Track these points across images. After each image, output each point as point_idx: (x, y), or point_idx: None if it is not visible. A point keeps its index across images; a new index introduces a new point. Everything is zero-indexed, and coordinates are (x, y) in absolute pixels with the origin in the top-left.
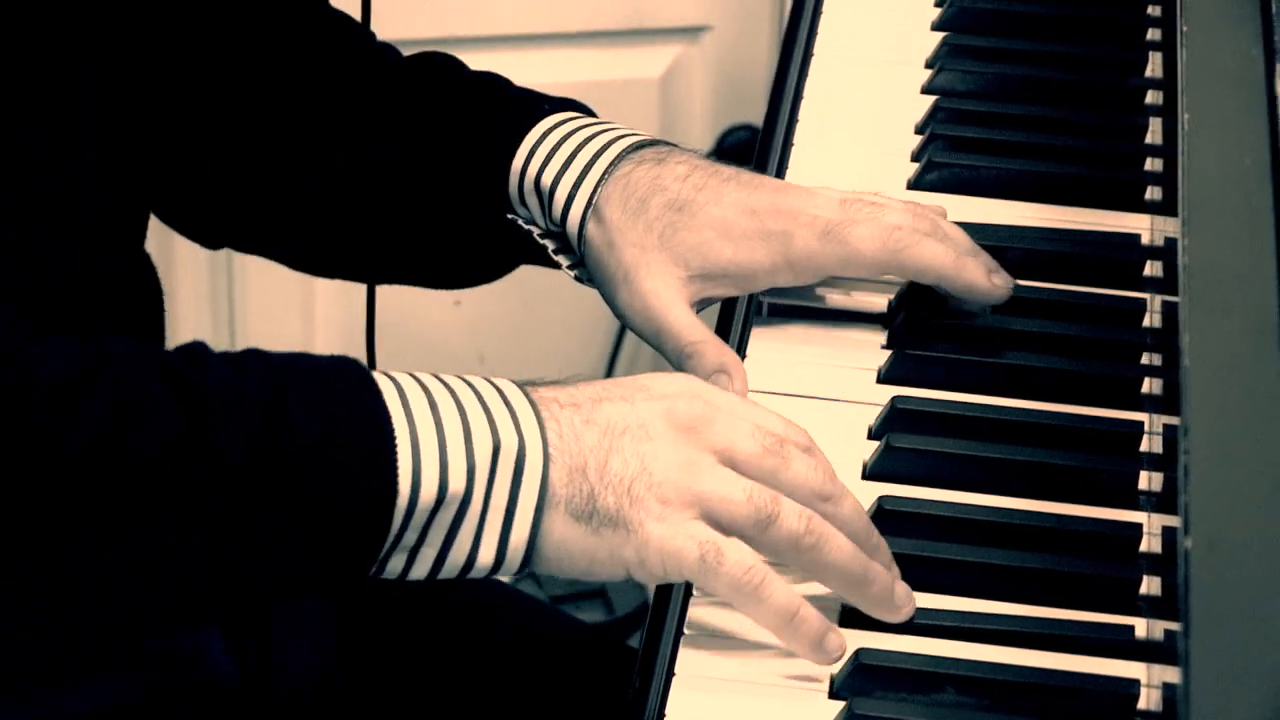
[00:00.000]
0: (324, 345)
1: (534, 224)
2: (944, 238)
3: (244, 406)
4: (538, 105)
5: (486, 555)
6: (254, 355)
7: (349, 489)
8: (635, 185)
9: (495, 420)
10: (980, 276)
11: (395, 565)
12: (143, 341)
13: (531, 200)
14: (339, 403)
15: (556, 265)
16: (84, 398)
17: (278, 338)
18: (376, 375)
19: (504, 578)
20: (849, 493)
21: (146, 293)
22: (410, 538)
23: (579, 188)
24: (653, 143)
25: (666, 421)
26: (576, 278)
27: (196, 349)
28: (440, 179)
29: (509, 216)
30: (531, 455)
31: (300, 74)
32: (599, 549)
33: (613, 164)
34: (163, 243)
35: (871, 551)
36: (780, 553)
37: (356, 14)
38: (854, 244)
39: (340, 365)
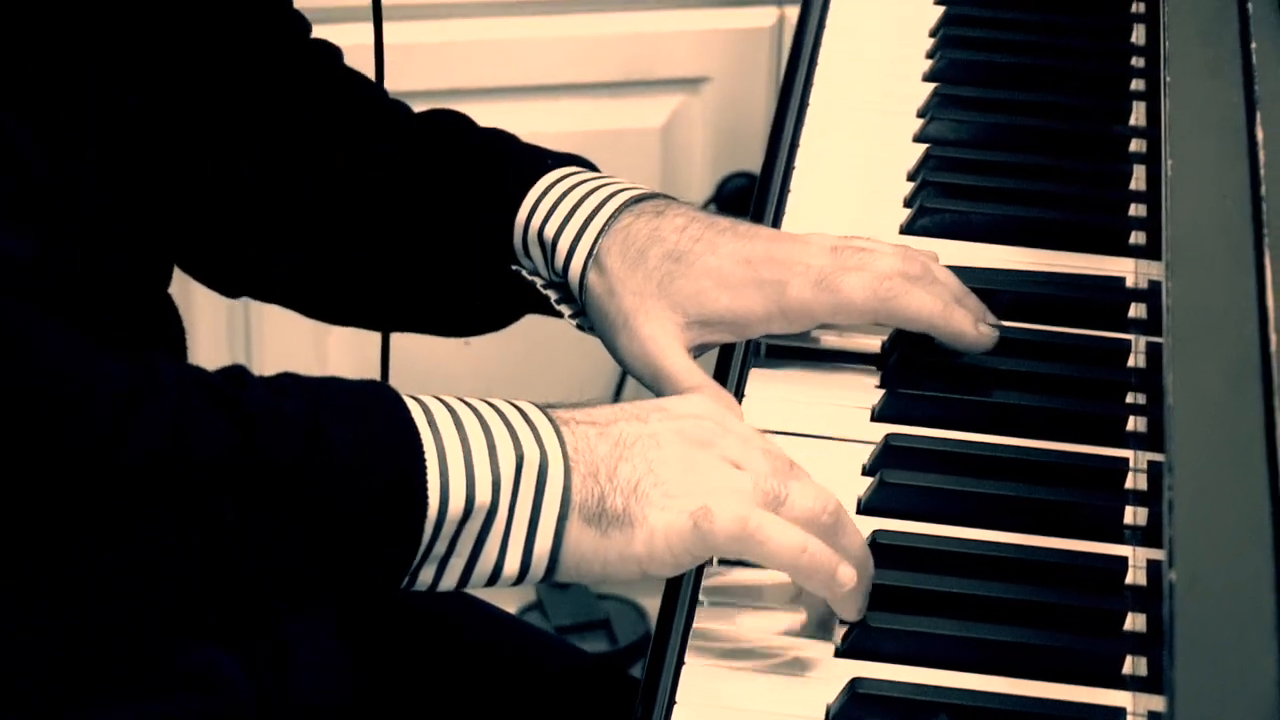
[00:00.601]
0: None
1: (537, 275)
2: (933, 283)
3: (286, 424)
4: (542, 160)
5: (513, 563)
6: (290, 378)
7: (382, 503)
8: (635, 236)
9: (518, 434)
10: (968, 325)
11: (426, 576)
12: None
13: (535, 252)
14: (371, 422)
15: (559, 315)
16: (141, 412)
17: None
18: (406, 397)
19: (522, 599)
20: (851, 524)
21: (169, 337)
22: (440, 548)
23: (580, 239)
24: (651, 196)
25: (677, 436)
26: (578, 326)
27: (237, 371)
28: (449, 232)
29: (514, 268)
30: (554, 466)
31: (314, 127)
32: (609, 550)
33: (613, 216)
34: (183, 290)
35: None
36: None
37: (369, 68)
38: (845, 293)
39: (371, 387)
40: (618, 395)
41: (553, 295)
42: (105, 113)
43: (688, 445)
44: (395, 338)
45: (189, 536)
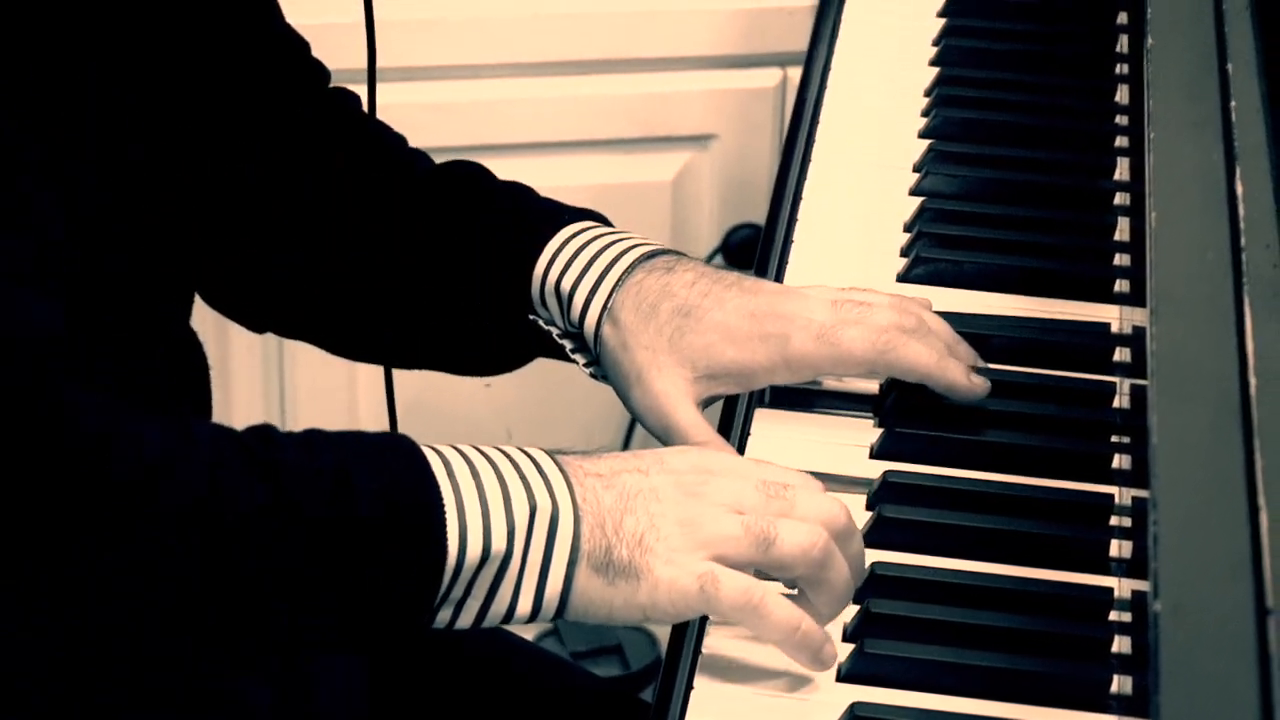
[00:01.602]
0: (366, 419)
1: (553, 324)
2: (928, 335)
3: (314, 480)
4: (559, 215)
5: (525, 605)
6: (317, 435)
7: (404, 552)
8: (646, 292)
9: (531, 485)
10: (960, 376)
11: (444, 616)
12: (189, 398)
13: (551, 303)
14: (393, 475)
15: (570, 360)
16: (174, 475)
17: (323, 414)
18: (425, 449)
19: (539, 626)
20: (857, 531)
21: (193, 368)
22: (457, 592)
23: (595, 293)
24: (663, 252)
25: (676, 488)
26: (591, 374)
27: (266, 430)
28: (467, 278)
29: (530, 317)
30: (564, 516)
31: (339, 175)
32: (616, 597)
33: (626, 271)
34: (219, 329)
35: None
36: (790, 568)
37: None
38: (845, 346)
39: (394, 442)
40: (628, 438)
41: (568, 345)
42: (105, 112)
43: (685, 497)
44: (422, 380)
45: (220, 589)
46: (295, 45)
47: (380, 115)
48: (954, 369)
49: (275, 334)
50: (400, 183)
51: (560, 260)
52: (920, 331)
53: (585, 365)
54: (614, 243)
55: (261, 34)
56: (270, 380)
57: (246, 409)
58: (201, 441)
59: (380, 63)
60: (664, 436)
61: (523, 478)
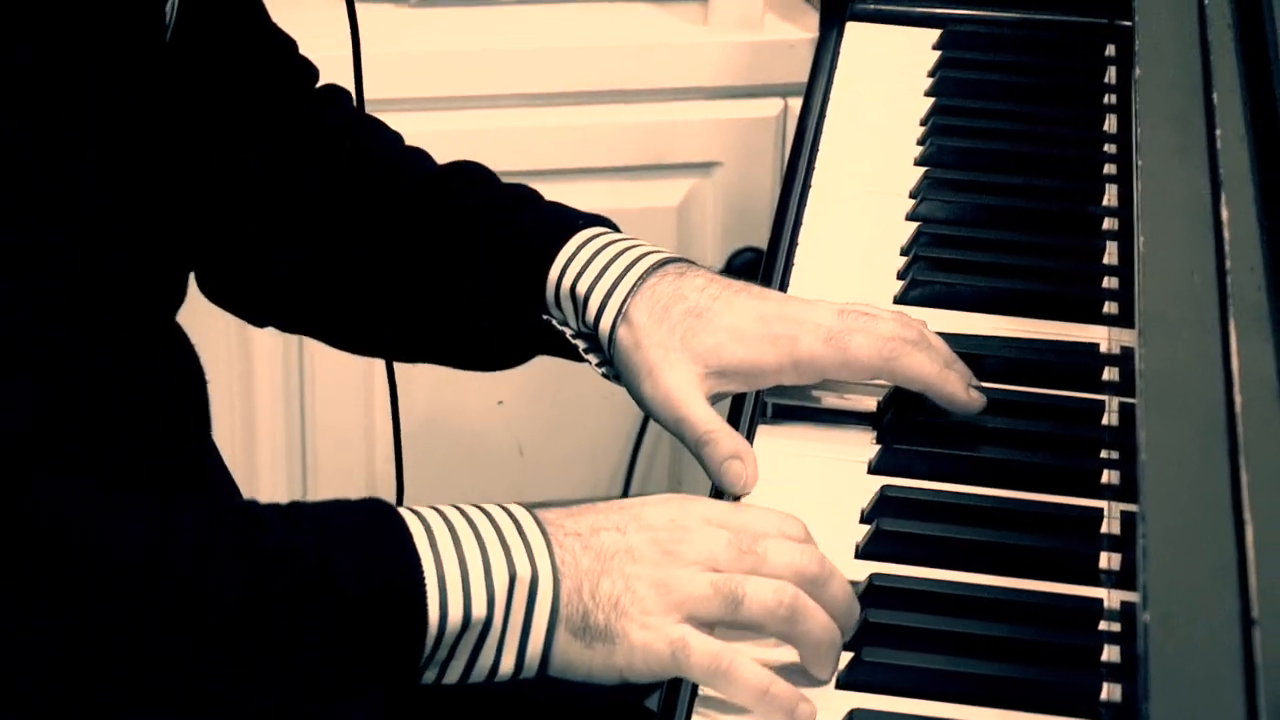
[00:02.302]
0: (381, 430)
1: (566, 325)
2: (929, 348)
3: (298, 561)
4: (573, 220)
5: (507, 665)
6: (299, 510)
7: (386, 624)
8: (660, 295)
9: (511, 551)
10: (960, 388)
11: (429, 676)
12: (188, 397)
13: (566, 305)
14: (377, 550)
15: (584, 360)
16: (157, 569)
17: (341, 418)
18: (406, 515)
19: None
20: (836, 572)
21: (188, 366)
22: (441, 655)
23: (610, 297)
24: (675, 259)
25: (652, 546)
26: (604, 374)
27: (249, 509)
28: (482, 280)
29: (545, 318)
30: (544, 582)
31: (344, 170)
32: (594, 659)
33: (641, 277)
34: (241, 338)
35: (852, 623)
36: (761, 626)
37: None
38: (853, 350)
39: (375, 514)
40: (635, 453)
41: (581, 345)
42: (105, 113)
43: (661, 556)
44: (436, 397)
45: (211, 674)
46: (284, 42)
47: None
48: (954, 380)
49: (277, 328)
50: (406, 178)
51: (575, 264)
52: (922, 344)
53: (598, 365)
54: (628, 249)
55: (253, 29)
56: (290, 385)
57: (269, 414)
58: (185, 530)
59: (402, 92)
60: (675, 429)
61: (503, 542)
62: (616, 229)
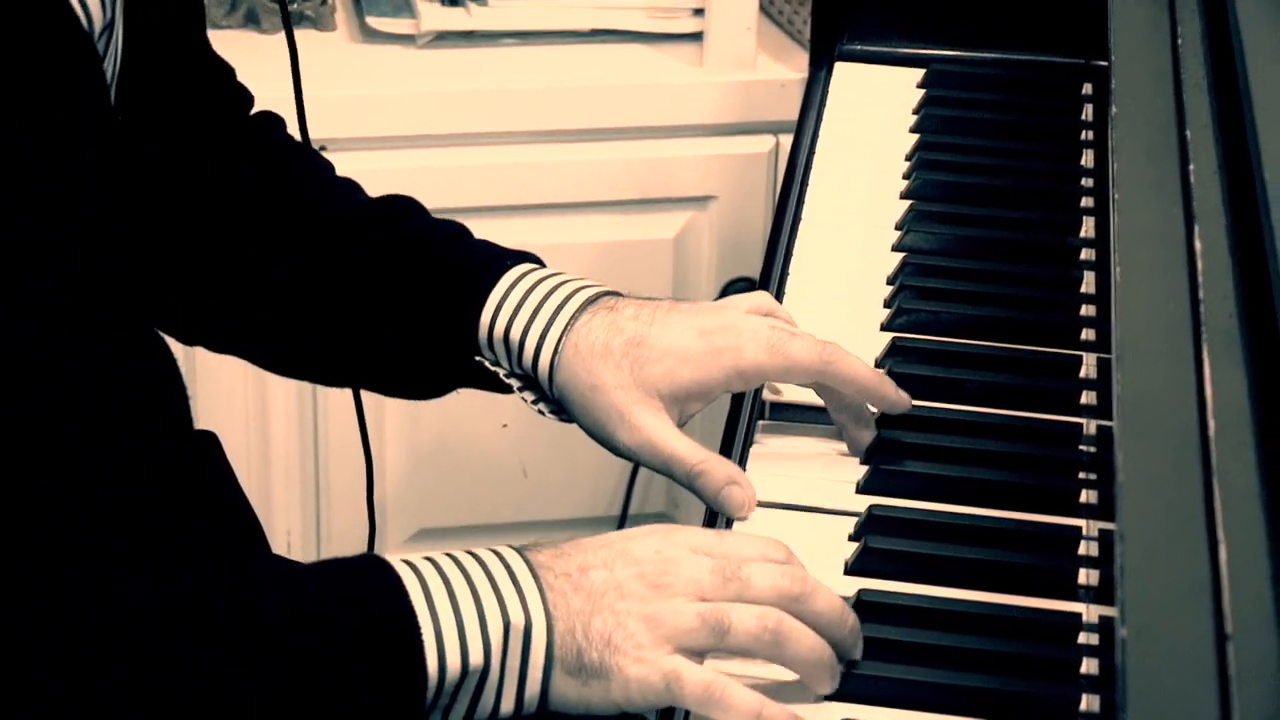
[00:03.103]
0: (391, 453)
1: (499, 365)
2: (855, 355)
3: (298, 629)
4: (501, 259)
5: (508, 706)
6: (298, 573)
7: (387, 682)
8: (595, 331)
9: (504, 599)
10: (891, 389)
11: None
12: (175, 396)
13: (499, 349)
14: (373, 610)
15: (517, 395)
16: (158, 643)
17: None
18: (401, 570)
19: None
20: (820, 588)
21: (170, 366)
22: (443, 701)
23: (544, 340)
24: (604, 294)
25: (640, 581)
26: (540, 411)
27: (249, 573)
28: (413, 319)
29: (477, 359)
30: (537, 627)
31: (272, 195)
32: (591, 695)
33: (573, 317)
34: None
35: (848, 634)
36: (748, 651)
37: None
38: (795, 356)
39: (371, 573)
40: (633, 475)
41: (515, 384)
42: (105, 114)
43: (648, 590)
44: (443, 421)
45: None
46: (222, 69)
47: (410, 176)
48: (886, 381)
49: (205, 347)
50: (336, 206)
51: (507, 308)
52: (851, 355)
53: (533, 403)
54: (556, 287)
55: (195, 57)
56: (305, 414)
57: (285, 448)
58: (183, 597)
59: (413, 130)
60: (664, 469)
61: (496, 591)
62: (542, 264)
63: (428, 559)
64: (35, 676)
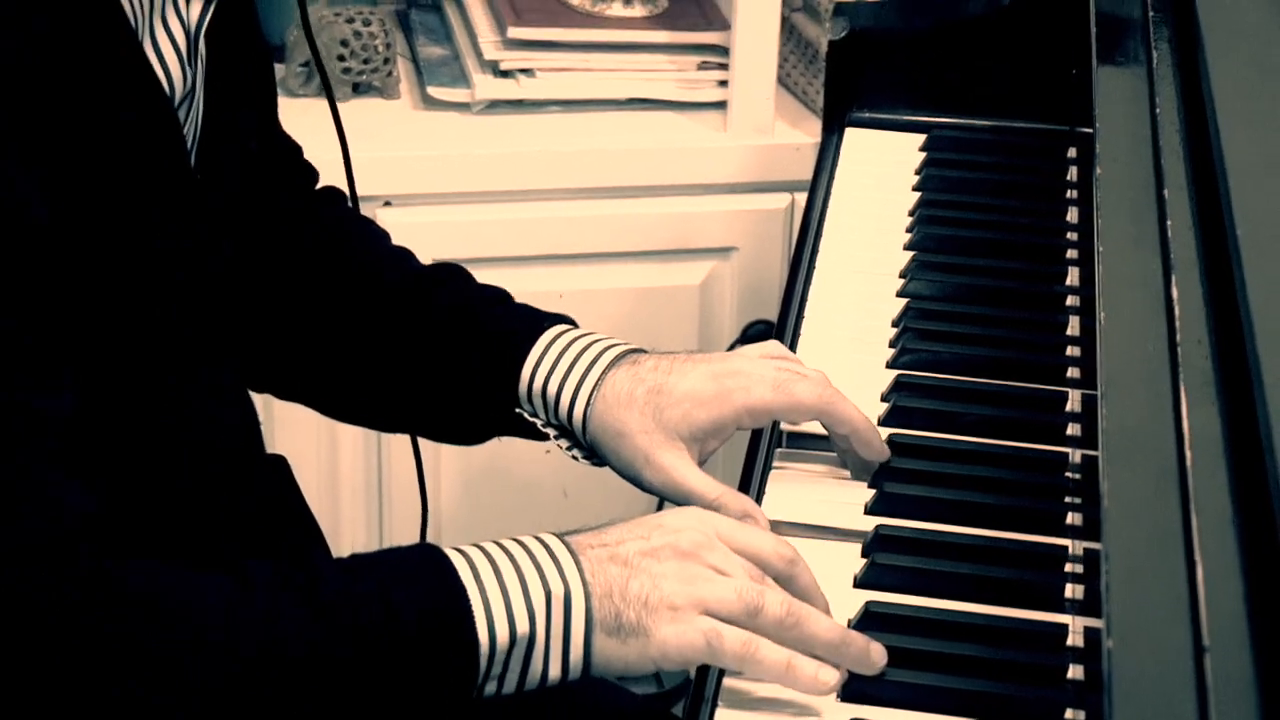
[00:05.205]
0: (446, 479)
1: (536, 416)
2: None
3: (361, 609)
4: (539, 321)
5: (555, 671)
6: (358, 561)
7: (445, 655)
8: (621, 383)
9: (544, 572)
10: (878, 439)
11: (490, 689)
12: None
13: (537, 401)
14: (428, 589)
15: (546, 439)
16: (238, 629)
17: (412, 470)
18: (451, 554)
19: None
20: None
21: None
22: (496, 670)
23: (578, 393)
24: (629, 350)
25: (673, 550)
26: (574, 457)
27: (314, 565)
28: (461, 376)
29: (517, 410)
30: (575, 594)
31: (332, 263)
32: (629, 654)
33: (603, 373)
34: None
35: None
36: (769, 633)
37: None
38: (798, 395)
39: (424, 557)
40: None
41: (552, 432)
42: (182, 174)
43: (681, 557)
44: (491, 448)
45: (287, 712)
46: (291, 147)
47: (465, 229)
48: (876, 432)
49: (273, 395)
50: (390, 274)
51: (544, 366)
52: (848, 400)
53: (568, 449)
54: (587, 347)
55: (268, 139)
56: (370, 465)
57: (350, 451)
58: (256, 588)
59: (471, 187)
60: (685, 503)
61: (537, 566)
62: (575, 324)
63: (475, 545)
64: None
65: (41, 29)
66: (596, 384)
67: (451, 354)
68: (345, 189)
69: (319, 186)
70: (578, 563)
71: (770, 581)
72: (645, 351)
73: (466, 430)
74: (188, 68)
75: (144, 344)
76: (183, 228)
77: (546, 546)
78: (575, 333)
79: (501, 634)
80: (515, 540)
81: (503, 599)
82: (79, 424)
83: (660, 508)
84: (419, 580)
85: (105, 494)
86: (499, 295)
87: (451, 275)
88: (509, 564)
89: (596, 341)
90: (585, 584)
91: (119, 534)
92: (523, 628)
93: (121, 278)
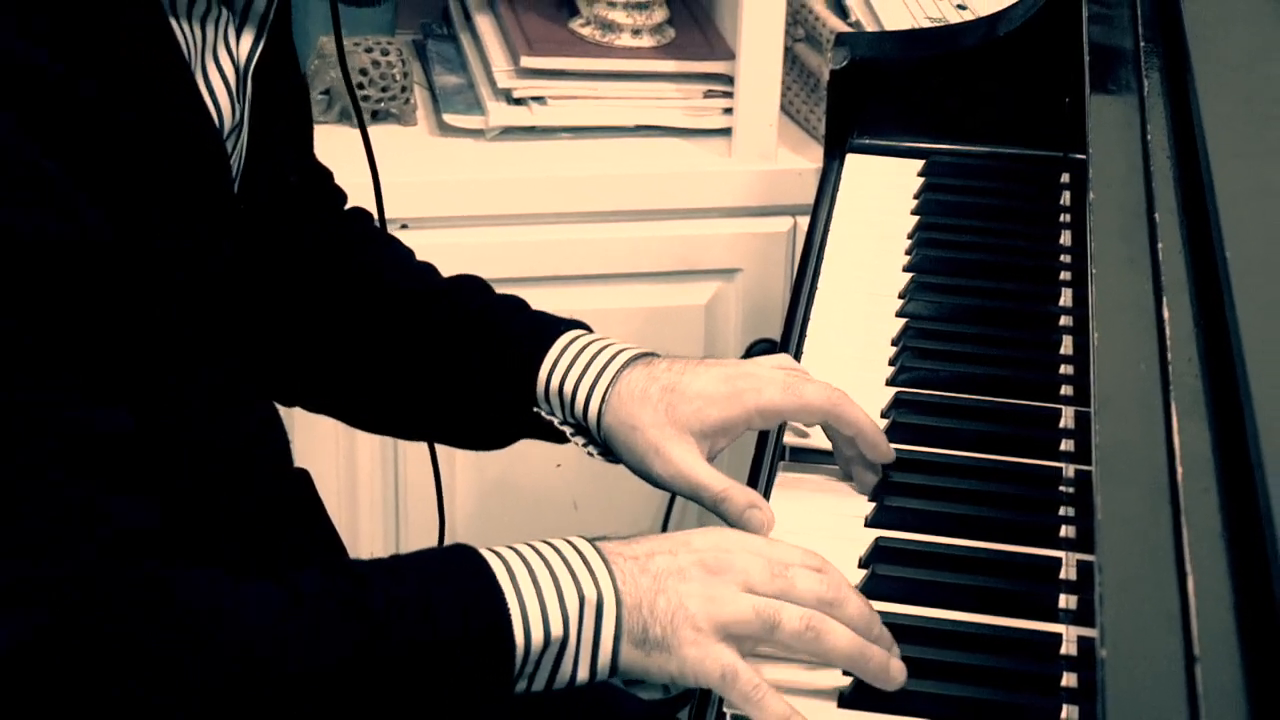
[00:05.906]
0: (461, 492)
1: (554, 415)
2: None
3: (403, 611)
4: (556, 326)
5: (584, 673)
6: (399, 560)
7: (481, 650)
8: (635, 382)
9: (578, 577)
10: (884, 441)
11: (520, 687)
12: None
13: (554, 400)
14: (467, 589)
15: (566, 442)
16: (285, 638)
17: (429, 482)
18: (489, 556)
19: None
20: (852, 596)
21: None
22: (529, 669)
23: (594, 391)
24: (642, 354)
25: (700, 568)
26: (589, 453)
27: (356, 570)
28: (483, 379)
29: (534, 410)
30: (608, 602)
31: (360, 280)
32: (651, 665)
33: (617, 372)
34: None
35: (875, 639)
36: (789, 646)
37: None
38: (807, 397)
39: (464, 560)
40: (672, 497)
41: (569, 430)
42: (228, 203)
43: (708, 575)
44: (502, 461)
45: (334, 713)
46: (324, 172)
47: (479, 251)
48: (882, 434)
49: (303, 408)
50: (417, 287)
51: (560, 366)
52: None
53: (584, 445)
54: (602, 349)
55: (304, 156)
56: (387, 455)
57: (369, 465)
58: (303, 596)
59: (485, 210)
60: (692, 495)
61: (571, 571)
62: (590, 330)
63: (510, 548)
64: (185, 667)
65: (107, 69)
66: (612, 382)
67: (474, 359)
68: (372, 210)
69: (347, 207)
70: (609, 569)
71: (797, 580)
72: (658, 355)
73: (487, 434)
74: (236, 102)
75: (143, 344)
76: (182, 228)
77: (579, 551)
78: (591, 336)
79: (536, 636)
80: (546, 543)
81: (538, 602)
82: (137, 440)
83: (669, 512)
84: (458, 582)
85: (161, 508)
86: (518, 303)
87: (473, 287)
88: (543, 567)
89: (611, 344)
90: (618, 592)
91: (173, 547)
92: (557, 630)
93: (127, 280)
